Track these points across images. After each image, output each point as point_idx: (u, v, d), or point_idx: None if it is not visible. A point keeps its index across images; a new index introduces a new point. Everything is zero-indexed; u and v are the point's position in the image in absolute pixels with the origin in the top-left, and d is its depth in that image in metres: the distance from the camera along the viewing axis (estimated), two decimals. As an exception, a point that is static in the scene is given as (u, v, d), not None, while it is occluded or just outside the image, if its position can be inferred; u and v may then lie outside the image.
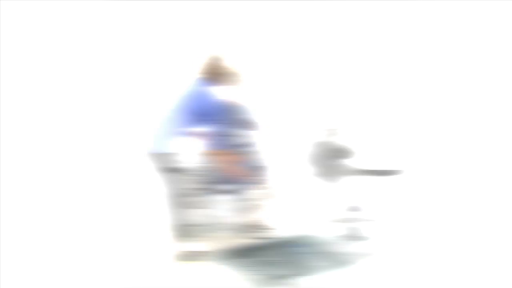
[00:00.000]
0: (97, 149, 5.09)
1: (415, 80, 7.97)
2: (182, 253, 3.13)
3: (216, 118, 3.19)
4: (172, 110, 3.17)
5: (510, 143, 5.55)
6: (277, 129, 5.76)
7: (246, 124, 3.49)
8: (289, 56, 9.17)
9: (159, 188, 4.22)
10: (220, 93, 3.37)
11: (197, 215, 3.53)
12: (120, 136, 5.47)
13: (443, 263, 3.33)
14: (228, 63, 3.41)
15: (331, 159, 2.86)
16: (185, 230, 3.12)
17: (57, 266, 3.17)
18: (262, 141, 3.58)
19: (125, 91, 7.09)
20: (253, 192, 3.80)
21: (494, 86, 7.70)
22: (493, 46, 8.88)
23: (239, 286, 2.88)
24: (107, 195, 4.17)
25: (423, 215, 3.96)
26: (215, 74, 3.33)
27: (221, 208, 3.53)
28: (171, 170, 3.04)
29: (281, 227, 3.70)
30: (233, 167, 3.31)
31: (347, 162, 2.76)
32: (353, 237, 2.99)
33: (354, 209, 2.87)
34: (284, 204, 4.04)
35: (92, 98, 6.71)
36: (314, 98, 6.70)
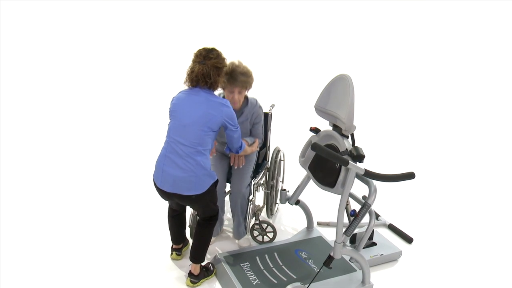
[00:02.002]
0: (98, 151, 5.03)
1: (417, 82, 7.85)
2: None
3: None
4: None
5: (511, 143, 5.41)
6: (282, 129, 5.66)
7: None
8: (291, 55, 9.06)
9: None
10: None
11: None
12: (122, 139, 5.41)
13: (451, 266, 3.21)
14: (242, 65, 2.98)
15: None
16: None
17: (57, 267, 3.09)
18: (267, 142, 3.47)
19: (126, 93, 7.04)
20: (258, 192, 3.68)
21: (494, 87, 7.55)
22: (493, 46, 8.69)
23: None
24: (110, 199, 4.08)
25: (431, 218, 3.84)
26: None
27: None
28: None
29: (285, 230, 3.60)
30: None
31: (354, 165, 2.64)
32: (360, 241, 2.86)
33: (359, 213, 2.74)
34: (287, 206, 3.95)
35: (92, 99, 6.67)
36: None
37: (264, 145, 3.57)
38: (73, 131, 5.40)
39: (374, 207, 3.99)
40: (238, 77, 2.91)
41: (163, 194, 2.67)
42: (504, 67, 8.78)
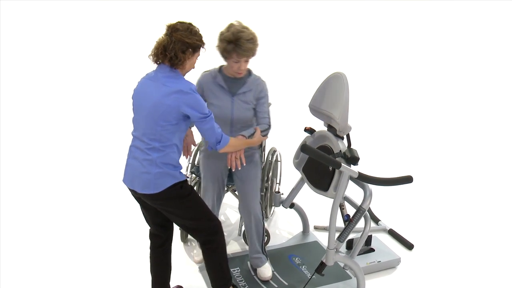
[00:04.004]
0: (97, 151, 4.97)
1: (418, 82, 7.68)
2: None
3: None
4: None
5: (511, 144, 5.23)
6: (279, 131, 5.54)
7: None
8: (290, 55, 8.93)
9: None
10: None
11: None
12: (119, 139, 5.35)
13: (453, 274, 3.06)
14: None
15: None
16: None
17: (57, 267, 3.01)
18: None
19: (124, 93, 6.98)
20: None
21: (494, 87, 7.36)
22: (493, 46, 8.46)
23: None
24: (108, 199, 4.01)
25: (434, 224, 3.69)
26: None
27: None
28: None
29: (279, 234, 3.48)
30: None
31: (349, 168, 2.51)
32: (354, 248, 2.73)
33: (354, 218, 2.62)
34: (282, 209, 3.83)
35: (92, 99, 6.62)
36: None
37: (260, 145, 3.44)
38: (71, 130, 5.35)
39: (375, 211, 3.85)
40: (245, 45, 2.50)
41: (130, 191, 2.38)
42: (502, 68, 8.55)
